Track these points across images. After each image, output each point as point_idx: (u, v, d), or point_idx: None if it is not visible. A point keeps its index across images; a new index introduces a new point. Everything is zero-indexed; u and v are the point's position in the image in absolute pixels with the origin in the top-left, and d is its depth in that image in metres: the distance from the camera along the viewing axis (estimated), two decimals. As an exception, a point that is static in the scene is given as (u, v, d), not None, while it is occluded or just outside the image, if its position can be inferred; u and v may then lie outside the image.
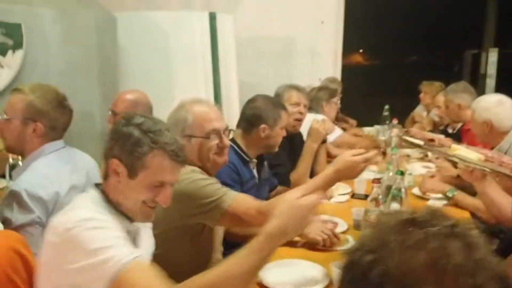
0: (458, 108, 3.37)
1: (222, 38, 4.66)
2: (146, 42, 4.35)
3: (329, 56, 5.91)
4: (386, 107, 4.45)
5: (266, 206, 1.66)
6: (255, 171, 2.44)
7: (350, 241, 1.92)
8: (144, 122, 1.36)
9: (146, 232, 1.56)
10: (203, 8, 4.84)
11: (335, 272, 1.59)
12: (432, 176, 2.87)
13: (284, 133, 2.47)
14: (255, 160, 2.42)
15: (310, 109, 3.61)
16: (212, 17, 4.52)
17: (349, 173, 1.78)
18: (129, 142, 1.34)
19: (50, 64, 3.41)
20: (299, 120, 2.92)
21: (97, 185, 1.45)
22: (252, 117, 2.41)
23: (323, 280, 1.66)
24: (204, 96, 4.57)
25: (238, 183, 2.19)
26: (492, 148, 2.63)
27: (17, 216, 1.73)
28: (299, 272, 1.73)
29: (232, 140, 2.31)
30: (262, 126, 2.38)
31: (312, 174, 3.05)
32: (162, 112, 4.19)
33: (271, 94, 4.29)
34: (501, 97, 2.73)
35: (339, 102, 5.19)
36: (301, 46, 5.89)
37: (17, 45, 3.18)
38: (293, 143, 2.86)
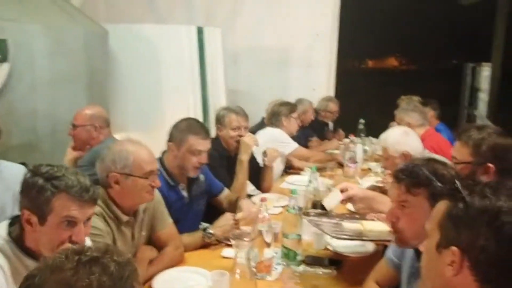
0: (408, 126, 3.48)
1: (210, 51, 4.92)
2: (137, 54, 4.64)
3: (324, 67, 6.05)
4: (361, 121, 4.59)
5: None
6: (184, 192, 2.54)
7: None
8: (49, 171, 1.46)
9: None
10: (196, 22, 5.11)
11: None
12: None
13: (195, 161, 2.47)
14: (183, 184, 2.53)
15: (271, 124, 3.82)
16: (200, 31, 4.77)
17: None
18: (34, 191, 1.44)
19: (36, 77, 3.67)
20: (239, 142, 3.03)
21: (12, 223, 1.51)
22: (169, 135, 2.54)
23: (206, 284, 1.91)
24: (192, 106, 4.85)
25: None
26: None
27: None
28: (185, 277, 1.98)
29: (161, 162, 2.48)
30: (169, 143, 2.50)
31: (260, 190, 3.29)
32: (152, 122, 4.58)
33: (266, 103, 4.50)
34: (403, 128, 2.89)
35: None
36: (297, 57, 6.03)
37: (3, 58, 3.47)
38: (233, 162, 2.99)
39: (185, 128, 2.50)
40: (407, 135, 2.76)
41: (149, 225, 2.15)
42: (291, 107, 3.88)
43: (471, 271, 1.00)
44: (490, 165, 1.88)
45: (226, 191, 2.80)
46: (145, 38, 4.66)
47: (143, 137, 3.62)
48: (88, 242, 1.73)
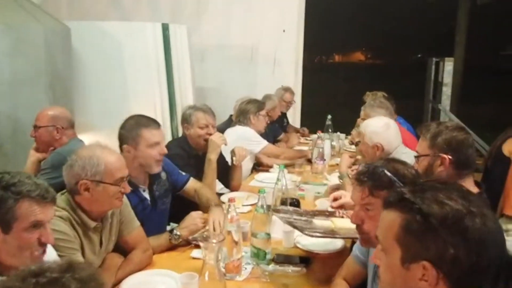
0: (374, 122, 3.52)
1: (176, 47, 4.86)
2: (101, 52, 4.54)
3: (290, 63, 6.09)
4: (329, 116, 4.62)
5: None
6: (146, 194, 2.48)
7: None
8: (2, 179, 1.42)
9: None
10: (161, 19, 5.05)
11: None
12: (337, 189, 3.05)
13: (156, 153, 2.40)
14: (143, 186, 2.48)
15: (239, 122, 3.81)
16: (165, 28, 4.71)
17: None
18: None
19: (-4, 77, 3.58)
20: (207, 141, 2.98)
21: None
22: (119, 139, 2.45)
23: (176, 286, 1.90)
24: (159, 104, 4.78)
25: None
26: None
27: None
28: (154, 281, 1.96)
29: None
30: (124, 146, 2.42)
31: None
32: (118, 122, 4.48)
33: (234, 100, 4.47)
34: (387, 121, 2.89)
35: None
36: (264, 54, 6.05)
37: (-40, 59, 3.35)
38: (202, 161, 2.97)
39: (134, 125, 2.44)
40: (387, 129, 2.79)
41: (117, 229, 2.11)
42: (259, 104, 3.88)
43: (445, 281, 0.98)
44: (445, 156, 1.93)
45: (192, 181, 2.74)
46: (109, 35, 4.57)
47: (109, 137, 3.55)
48: (50, 249, 1.67)
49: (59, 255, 1.70)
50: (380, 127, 2.80)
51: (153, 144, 2.41)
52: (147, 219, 2.34)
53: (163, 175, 2.59)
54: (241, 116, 3.81)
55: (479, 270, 0.98)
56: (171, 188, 2.66)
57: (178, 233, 2.29)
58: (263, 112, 3.85)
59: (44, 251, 1.49)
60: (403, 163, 1.74)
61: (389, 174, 1.61)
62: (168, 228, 2.52)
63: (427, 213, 1.00)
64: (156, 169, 2.46)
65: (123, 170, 2.00)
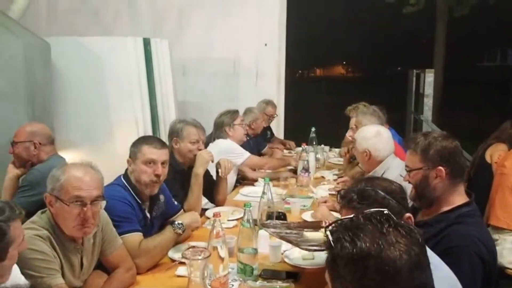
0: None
1: (158, 62, 4.82)
2: (82, 67, 4.47)
3: (273, 76, 6.09)
4: (313, 129, 4.61)
5: None
6: (147, 212, 2.45)
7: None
8: None
9: None
10: (143, 34, 5.00)
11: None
12: (325, 202, 3.02)
13: (150, 172, 2.35)
14: (147, 203, 2.45)
15: (217, 137, 3.77)
16: (146, 42, 4.67)
17: None
18: None
19: (-26, 94, 3.50)
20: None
21: None
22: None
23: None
24: (141, 120, 4.72)
25: (136, 219, 2.29)
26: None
27: None
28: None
29: (128, 180, 2.38)
30: (127, 159, 2.44)
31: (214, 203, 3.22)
32: (99, 138, 4.42)
33: (216, 114, 4.43)
34: (379, 129, 2.90)
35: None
36: (246, 68, 6.05)
37: None
38: (187, 176, 2.91)
39: (140, 141, 2.46)
40: (378, 137, 2.82)
41: (99, 249, 2.02)
42: (231, 114, 3.83)
43: None
44: (441, 168, 1.92)
45: (182, 213, 2.69)
46: (89, 50, 4.51)
47: (90, 154, 3.47)
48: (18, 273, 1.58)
49: (38, 277, 1.63)
50: (371, 132, 2.84)
51: (149, 161, 2.36)
52: (144, 237, 2.28)
53: (162, 197, 2.55)
54: (217, 130, 3.79)
55: None
56: (165, 212, 2.60)
57: (180, 222, 2.32)
58: (237, 121, 3.80)
59: None
60: (385, 179, 1.76)
61: (382, 193, 1.61)
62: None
63: (335, 254, 1.01)
64: (149, 190, 2.38)
65: (85, 190, 1.79)
